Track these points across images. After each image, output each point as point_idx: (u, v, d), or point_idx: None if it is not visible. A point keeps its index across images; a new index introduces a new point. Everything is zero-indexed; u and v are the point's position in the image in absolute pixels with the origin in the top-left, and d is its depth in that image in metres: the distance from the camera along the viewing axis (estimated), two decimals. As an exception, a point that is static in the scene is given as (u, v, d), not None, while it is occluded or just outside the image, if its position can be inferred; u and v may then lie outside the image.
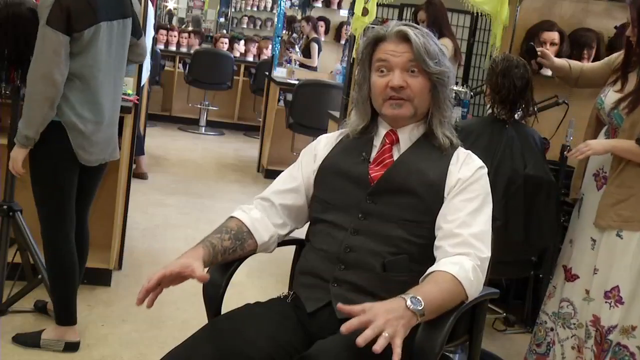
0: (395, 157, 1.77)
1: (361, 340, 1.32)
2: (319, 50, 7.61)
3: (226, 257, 1.72)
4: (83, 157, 2.61)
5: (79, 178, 2.70)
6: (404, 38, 1.73)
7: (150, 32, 4.91)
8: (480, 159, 1.78)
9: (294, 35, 7.75)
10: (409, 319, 1.41)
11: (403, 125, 1.78)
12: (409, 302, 1.42)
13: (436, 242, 1.67)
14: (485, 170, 1.76)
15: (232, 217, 1.79)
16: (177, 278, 1.54)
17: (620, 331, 2.48)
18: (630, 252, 2.47)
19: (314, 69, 7.51)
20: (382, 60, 1.74)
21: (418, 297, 1.44)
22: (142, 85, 4.34)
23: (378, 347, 1.31)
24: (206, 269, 1.61)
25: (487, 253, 1.67)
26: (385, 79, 1.74)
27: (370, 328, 1.34)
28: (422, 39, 1.72)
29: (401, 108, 1.74)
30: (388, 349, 1.33)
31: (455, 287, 1.56)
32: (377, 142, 1.81)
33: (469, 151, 1.80)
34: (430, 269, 1.60)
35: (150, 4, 4.11)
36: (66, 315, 2.75)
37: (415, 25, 1.77)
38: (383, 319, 1.35)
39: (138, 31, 2.85)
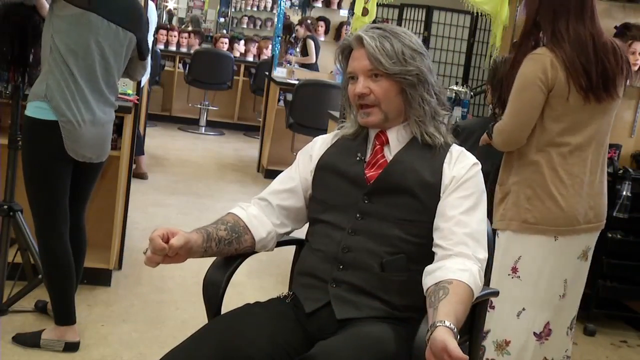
0: (388, 158, 1.76)
1: None
2: (317, 47, 7.59)
3: (222, 248, 1.72)
4: (70, 146, 2.59)
5: (73, 178, 2.70)
6: (362, 43, 1.71)
7: (150, 33, 4.90)
8: (482, 159, 1.78)
9: (294, 35, 7.75)
10: None
11: (389, 127, 1.77)
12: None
13: (434, 241, 1.67)
14: (479, 167, 1.75)
15: (229, 212, 1.80)
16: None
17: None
18: (501, 250, 2.41)
19: (314, 65, 7.49)
20: (349, 69, 1.75)
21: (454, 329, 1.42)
22: (142, 85, 4.35)
23: None
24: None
25: (484, 254, 1.67)
26: (353, 87, 1.74)
27: None
28: (379, 40, 1.67)
29: (369, 116, 1.74)
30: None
31: (471, 298, 1.57)
32: (370, 144, 1.80)
33: (462, 148, 1.79)
34: (444, 274, 1.57)
35: (150, 3, 4.11)
36: (65, 314, 2.75)
37: (382, 26, 1.74)
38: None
39: (143, 53, 2.84)
